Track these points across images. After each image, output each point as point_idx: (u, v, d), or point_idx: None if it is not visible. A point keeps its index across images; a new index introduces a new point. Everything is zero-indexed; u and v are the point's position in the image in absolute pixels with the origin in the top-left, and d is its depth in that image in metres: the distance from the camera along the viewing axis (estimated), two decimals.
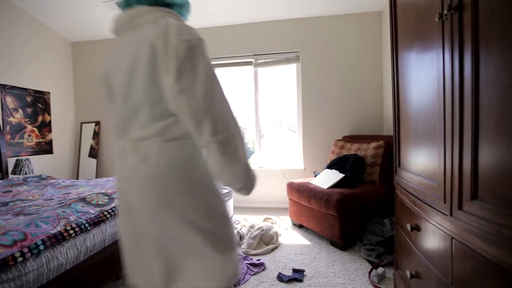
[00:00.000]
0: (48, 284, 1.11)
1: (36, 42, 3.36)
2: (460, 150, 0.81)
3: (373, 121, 3.22)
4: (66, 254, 1.21)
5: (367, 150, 2.55)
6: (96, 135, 3.88)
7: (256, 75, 3.51)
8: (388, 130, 3.04)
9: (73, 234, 1.26)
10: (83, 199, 1.53)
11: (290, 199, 2.71)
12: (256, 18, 3.34)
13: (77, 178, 3.85)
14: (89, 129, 3.92)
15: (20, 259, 1.01)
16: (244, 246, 2.19)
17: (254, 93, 3.53)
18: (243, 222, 2.73)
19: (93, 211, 1.45)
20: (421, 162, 1.13)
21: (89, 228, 1.35)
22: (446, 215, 0.88)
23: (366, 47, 3.21)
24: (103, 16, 3.30)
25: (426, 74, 1.04)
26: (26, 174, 2.86)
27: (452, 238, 0.86)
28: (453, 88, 0.83)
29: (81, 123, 3.94)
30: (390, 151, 2.46)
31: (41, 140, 3.42)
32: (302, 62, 3.34)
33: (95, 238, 1.39)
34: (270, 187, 3.38)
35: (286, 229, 2.64)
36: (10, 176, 2.91)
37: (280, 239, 2.36)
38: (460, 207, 0.81)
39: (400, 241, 1.43)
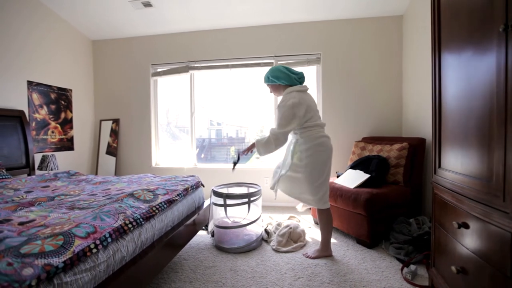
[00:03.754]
0: (113, 275, 1.16)
1: (59, 40, 3.40)
2: None
3: (392, 123, 3.28)
4: (127, 247, 1.26)
5: (390, 151, 2.61)
6: (113, 132, 3.92)
7: None
8: (408, 132, 3.10)
9: (131, 228, 1.31)
10: (131, 195, 1.58)
11: None
12: (279, 20, 3.39)
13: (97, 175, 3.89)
14: (107, 127, 3.96)
15: (94, 250, 1.06)
16: (273, 243, 2.24)
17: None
18: (269, 220, 2.78)
19: (143, 207, 1.50)
20: (471, 162, 1.18)
21: (143, 222, 1.40)
22: (507, 213, 0.94)
23: (386, 51, 3.27)
24: (123, 15, 3.35)
25: (480, 80, 1.09)
26: (52, 169, 2.90)
27: None
28: None
29: (100, 121, 3.99)
30: (414, 153, 2.52)
31: (63, 136, 3.46)
32: (323, 64, 3.40)
33: (147, 233, 1.44)
34: None
35: (310, 227, 2.70)
36: (37, 171, 2.95)
37: (306, 237, 2.42)
38: None
39: (439, 239, 1.49)
